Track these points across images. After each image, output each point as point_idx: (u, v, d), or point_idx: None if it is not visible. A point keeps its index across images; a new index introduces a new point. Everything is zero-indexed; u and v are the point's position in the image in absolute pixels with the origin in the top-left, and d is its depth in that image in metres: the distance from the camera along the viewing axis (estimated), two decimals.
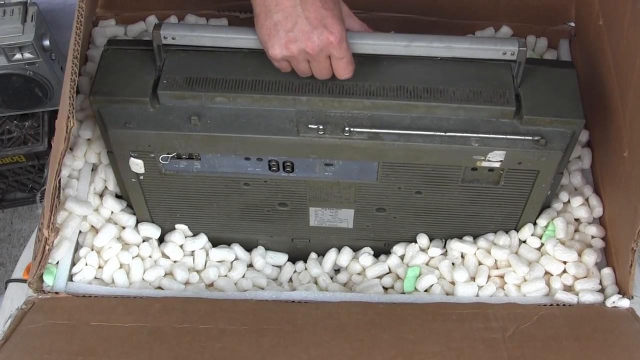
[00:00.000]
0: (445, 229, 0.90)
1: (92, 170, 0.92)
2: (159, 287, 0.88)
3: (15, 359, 0.72)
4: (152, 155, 0.80)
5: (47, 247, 0.80)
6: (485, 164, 0.77)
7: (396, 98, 0.75)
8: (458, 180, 0.81)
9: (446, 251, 0.90)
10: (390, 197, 0.85)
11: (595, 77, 0.89)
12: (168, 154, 0.80)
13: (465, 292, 0.84)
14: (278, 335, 0.75)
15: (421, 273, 0.87)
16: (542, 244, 0.88)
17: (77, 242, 0.88)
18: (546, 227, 0.89)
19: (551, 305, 0.81)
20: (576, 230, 0.90)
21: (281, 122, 0.76)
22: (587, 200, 0.91)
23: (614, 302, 0.80)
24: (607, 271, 0.85)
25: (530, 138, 0.75)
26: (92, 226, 0.90)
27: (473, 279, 0.86)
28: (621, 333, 0.77)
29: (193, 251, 0.92)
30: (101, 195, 0.92)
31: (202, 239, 0.93)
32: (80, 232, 0.89)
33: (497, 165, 0.77)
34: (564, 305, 0.81)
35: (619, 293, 0.82)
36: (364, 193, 0.84)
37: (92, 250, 0.88)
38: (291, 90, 0.75)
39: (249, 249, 0.96)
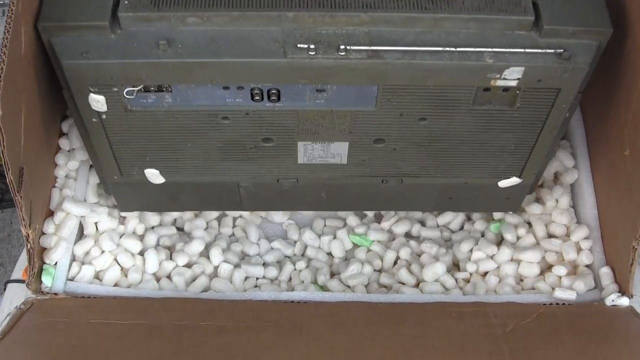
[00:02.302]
0: (446, 167, 0.86)
1: (89, 169, 0.95)
2: (159, 288, 0.91)
3: (13, 353, 0.75)
4: (116, 89, 0.73)
5: (29, 245, 0.82)
6: (500, 82, 0.72)
7: (397, 10, 0.69)
8: (468, 103, 0.75)
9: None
10: (391, 125, 0.79)
11: (598, 74, 0.85)
12: (134, 87, 0.73)
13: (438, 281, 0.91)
14: (277, 332, 0.78)
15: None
16: (538, 242, 0.93)
17: (75, 243, 0.91)
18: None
19: (550, 304, 0.84)
20: (576, 229, 0.92)
21: (265, 43, 0.70)
22: (586, 198, 0.93)
23: (613, 300, 0.82)
24: (606, 270, 0.87)
25: (552, 51, 0.70)
26: (90, 226, 0.92)
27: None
28: (621, 327, 0.80)
29: (194, 254, 0.95)
30: (99, 195, 0.96)
31: (201, 244, 0.95)
32: (77, 232, 0.91)
33: (514, 84, 0.72)
34: (563, 304, 0.84)
35: (618, 292, 0.84)
36: (361, 122, 0.78)
37: (91, 250, 0.91)
38: (275, 5, 0.70)
39: (230, 192, 0.91)
